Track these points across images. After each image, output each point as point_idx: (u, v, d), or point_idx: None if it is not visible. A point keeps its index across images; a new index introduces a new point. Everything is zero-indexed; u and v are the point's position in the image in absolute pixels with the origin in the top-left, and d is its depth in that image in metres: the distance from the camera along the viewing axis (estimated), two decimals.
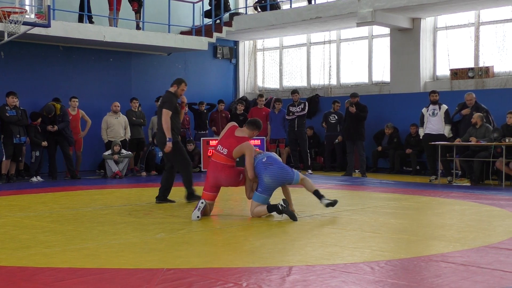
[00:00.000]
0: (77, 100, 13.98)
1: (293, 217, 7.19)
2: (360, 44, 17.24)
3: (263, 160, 7.51)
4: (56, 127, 13.02)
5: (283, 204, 7.31)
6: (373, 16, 14.33)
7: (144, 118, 15.16)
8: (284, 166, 7.64)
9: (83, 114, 14.20)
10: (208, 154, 14.55)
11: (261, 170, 7.44)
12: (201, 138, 14.98)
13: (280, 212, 7.26)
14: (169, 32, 16.15)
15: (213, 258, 5.25)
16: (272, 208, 7.34)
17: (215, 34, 16.89)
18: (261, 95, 16.10)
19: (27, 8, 12.42)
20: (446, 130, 12.62)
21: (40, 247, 5.67)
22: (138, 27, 15.75)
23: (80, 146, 14.09)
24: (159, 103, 8.73)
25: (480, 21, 14.92)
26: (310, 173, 14.56)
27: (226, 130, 7.75)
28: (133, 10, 15.59)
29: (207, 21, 17.26)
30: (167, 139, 8.54)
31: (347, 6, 14.99)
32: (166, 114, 8.60)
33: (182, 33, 17.12)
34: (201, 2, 17.14)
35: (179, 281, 4.35)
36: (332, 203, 7.68)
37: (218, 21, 17.26)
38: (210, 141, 14.71)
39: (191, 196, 8.82)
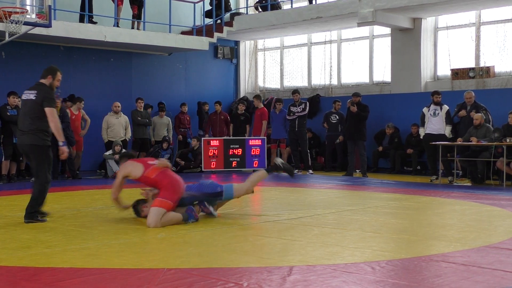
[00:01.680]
0: (82, 102, 13.99)
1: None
2: (361, 44, 17.24)
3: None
4: None
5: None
6: (374, 16, 14.34)
7: (150, 118, 15.18)
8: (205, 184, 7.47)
9: (83, 114, 14.21)
10: (209, 154, 14.56)
11: (200, 187, 7.30)
12: (202, 138, 14.98)
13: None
14: (170, 32, 16.16)
15: (213, 258, 5.25)
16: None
17: (216, 34, 16.90)
18: (257, 96, 16.05)
19: (28, 8, 12.44)
20: (447, 131, 12.61)
21: (41, 247, 5.67)
22: (137, 28, 15.75)
23: (80, 146, 14.10)
24: (32, 97, 7.21)
25: (481, 21, 14.92)
26: (311, 173, 14.56)
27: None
28: (133, 15, 15.59)
29: (208, 21, 17.27)
30: (60, 143, 7.15)
31: (348, 6, 14.99)
32: (52, 113, 7.15)
33: (183, 33, 17.12)
34: (202, 2, 17.15)
35: (180, 281, 4.34)
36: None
37: (219, 21, 17.27)
38: (211, 141, 14.72)
39: (32, 216, 7.11)
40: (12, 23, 11.19)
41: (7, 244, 5.80)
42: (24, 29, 11.80)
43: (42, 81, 7.44)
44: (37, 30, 12.56)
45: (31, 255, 5.31)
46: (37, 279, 4.49)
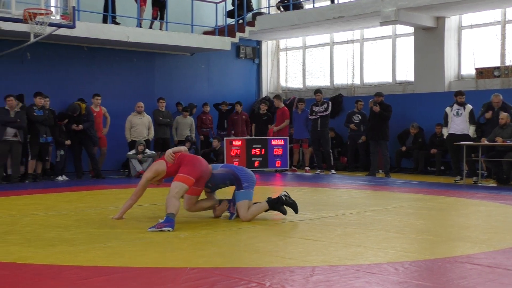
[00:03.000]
0: (100, 98, 14.10)
1: (295, 208, 7.21)
2: (383, 43, 17.14)
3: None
4: (81, 126, 13.17)
5: (286, 194, 7.24)
6: (397, 15, 14.25)
7: (171, 118, 15.26)
8: None
9: (105, 111, 14.33)
10: (232, 153, 14.59)
11: (236, 166, 7.38)
12: (224, 138, 15.02)
13: (284, 204, 7.16)
14: (192, 32, 16.22)
15: (236, 258, 5.26)
16: (274, 202, 7.18)
17: (238, 34, 16.92)
18: (277, 96, 16.04)
19: (52, 9, 12.56)
20: (470, 131, 12.48)
21: (66, 245, 5.72)
22: (160, 28, 15.84)
23: (104, 142, 14.22)
24: None
25: (506, 19, 14.75)
26: (333, 173, 14.51)
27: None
28: (152, 17, 15.68)
29: (230, 21, 17.30)
30: None
31: (371, 5, 14.91)
32: None
33: (205, 33, 17.17)
34: (224, 2, 17.17)
35: (202, 280, 4.35)
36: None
37: (241, 21, 17.29)
38: (234, 141, 14.74)
39: None
40: (37, 24, 11.31)
41: (33, 242, 5.86)
42: (48, 30, 11.92)
43: None
44: (61, 31, 12.68)
45: (55, 253, 5.36)
46: (61, 277, 4.53)
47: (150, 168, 7.23)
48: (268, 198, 7.28)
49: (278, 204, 7.21)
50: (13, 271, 4.71)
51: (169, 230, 6.36)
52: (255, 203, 7.24)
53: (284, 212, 7.22)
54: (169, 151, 7.15)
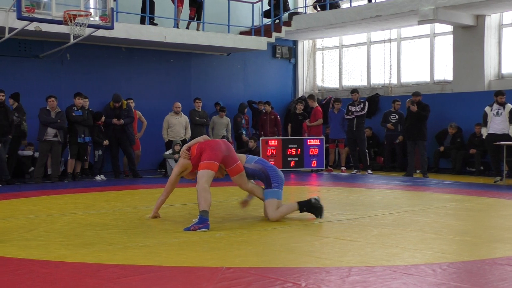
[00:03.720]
0: (132, 101, 14.24)
1: (321, 214, 7.11)
2: (421, 42, 16.95)
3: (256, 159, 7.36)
4: (122, 121, 13.34)
5: (316, 198, 7.18)
6: (435, 14, 14.07)
7: (207, 117, 15.35)
8: None
9: (140, 115, 14.47)
10: (268, 153, 14.60)
11: (270, 164, 7.32)
12: (260, 138, 15.03)
13: (312, 207, 7.10)
14: (228, 32, 16.28)
15: (272, 258, 5.26)
16: (303, 204, 7.14)
17: (274, 34, 16.92)
18: (310, 96, 16.02)
19: (91, 11, 12.75)
20: (511, 130, 12.25)
21: (104, 244, 5.80)
22: (196, 29, 15.95)
23: (138, 146, 14.37)
24: None
25: None
26: (370, 173, 14.41)
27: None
28: (190, 17, 15.79)
29: (266, 21, 17.31)
30: None
31: (408, 4, 14.76)
32: None
33: (241, 33, 17.22)
34: (260, 2, 17.19)
35: (238, 280, 4.37)
36: None
37: (277, 21, 17.29)
38: (269, 141, 14.74)
39: None
40: (76, 26, 11.49)
41: (72, 240, 5.96)
42: (88, 31, 12.11)
43: None
44: (100, 32, 12.87)
45: (94, 251, 5.44)
46: (99, 275, 4.60)
47: (177, 164, 7.28)
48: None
49: (308, 206, 7.15)
50: (52, 269, 4.80)
51: (204, 231, 6.39)
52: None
53: (317, 214, 7.16)
54: (184, 147, 7.18)
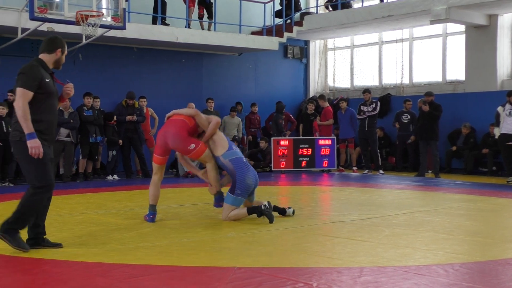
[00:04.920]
0: (145, 99, 14.27)
1: (271, 219, 6.94)
2: (433, 42, 16.87)
3: (244, 160, 7.25)
4: (135, 117, 13.41)
5: (266, 205, 7.00)
6: (448, 13, 14.00)
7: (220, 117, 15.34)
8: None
9: (152, 112, 14.50)
10: (279, 153, 14.58)
11: (242, 169, 7.07)
12: (272, 138, 15.03)
13: (261, 214, 6.97)
14: (240, 32, 16.29)
15: (283, 258, 5.26)
16: (253, 210, 7.04)
17: (286, 34, 16.91)
18: (321, 96, 16.01)
19: (104, 11, 12.79)
20: None
21: (115, 243, 5.82)
22: (208, 28, 15.97)
23: (152, 143, 14.39)
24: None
25: None
26: (382, 173, 14.37)
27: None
28: (199, 15, 15.81)
29: (278, 21, 17.30)
30: (26, 135, 5.27)
31: (420, 3, 14.70)
32: (21, 95, 5.30)
33: (253, 33, 17.22)
34: (272, 2, 17.19)
35: (250, 280, 4.37)
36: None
37: (288, 20, 17.28)
38: (281, 141, 14.73)
39: (6, 231, 5.38)
40: (88, 26, 11.54)
41: (83, 240, 5.98)
42: (100, 31, 12.15)
43: (40, 55, 5.67)
44: (112, 33, 12.91)
45: (106, 251, 5.46)
46: (111, 275, 4.61)
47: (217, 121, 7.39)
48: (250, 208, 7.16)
49: (256, 212, 7.02)
50: (65, 268, 4.82)
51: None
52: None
53: (269, 220, 6.98)
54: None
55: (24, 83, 5.30)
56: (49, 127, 5.43)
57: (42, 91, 5.37)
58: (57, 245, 5.57)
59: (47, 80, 5.44)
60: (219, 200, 7.37)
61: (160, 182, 7.46)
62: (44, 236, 5.59)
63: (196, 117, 7.34)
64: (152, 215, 7.22)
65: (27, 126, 5.22)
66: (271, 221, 6.94)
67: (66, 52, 5.82)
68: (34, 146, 5.22)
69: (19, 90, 5.30)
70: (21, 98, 5.27)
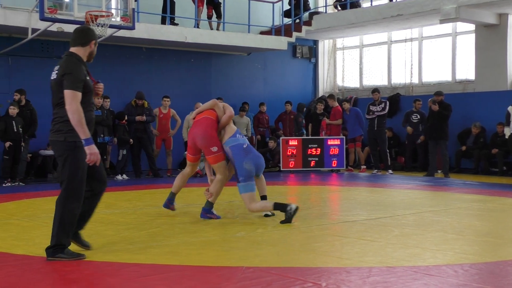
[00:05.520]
0: (168, 99, 14.30)
1: (286, 221, 6.92)
2: (443, 42, 16.81)
3: (244, 146, 7.37)
4: (145, 117, 13.46)
5: (293, 208, 6.96)
6: (457, 13, 13.94)
7: None
8: (259, 154, 7.57)
9: (174, 114, 14.49)
10: (288, 153, 14.57)
11: (241, 156, 7.23)
12: (280, 138, 15.02)
13: (285, 212, 6.98)
14: (249, 32, 16.29)
15: (292, 258, 5.26)
16: (279, 206, 7.07)
17: (295, 34, 16.90)
18: (330, 96, 16.02)
19: (113, 11, 12.83)
20: None
21: (124, 243, 5.84)
22: (217, 28, 15.99)
23: (170, 144, 14.41)
24: (54, 76, 5.25)
25: None
26: (391, 173, 14.33)
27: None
28: (207, 15, 15.82)
29: (287, 20, 17.29)
30: (83, 141, 5.03)
31: (430, 2, 14.65)
32: (73, 97, 5.03)
33: (261, 33, 17.22)
34: (280, 1, 17.18)
35: (258, 279, 4.37)
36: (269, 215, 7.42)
37: (297, 20, 17.26)
38: (290, 141, 14.72)
39: (54, 252, 5.06)
40: (98, 26, 11.57)
41: (93, 239, 6.00)
42: (109, 31, 12.19)
43: (74, 49, 5.35)
44: (121, 33, 12.95)
45: (115, 250, 5.47)
46: (120, 274, 4.63)
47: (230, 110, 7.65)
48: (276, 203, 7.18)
49: (282, 209, 7.04)
50: (74, 268, 4.84)
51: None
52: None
53: (284, 221, 6.98)
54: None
55: (73, 84, 5.03)
56: (88, 125, 5.11)
57: (85, 90, 5.14)
58: (86, 246, 5.39)
59: (87, 78, 5.23)
60: (206, 211, 7.43)
61: (188, 177, 7.94)
62: (80, 231, 5.37)
63: (215, 108, 7.61)
64: (167, 201, 7.76)
65: (83, 131, 4.98)
66: (283, 222, 6.93)
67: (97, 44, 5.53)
68: (93, 152, 4.99)
69: (69, 92, 5.01)
70: (74, 100, 4.99)
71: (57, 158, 5.24)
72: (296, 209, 7.00)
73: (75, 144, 5.07)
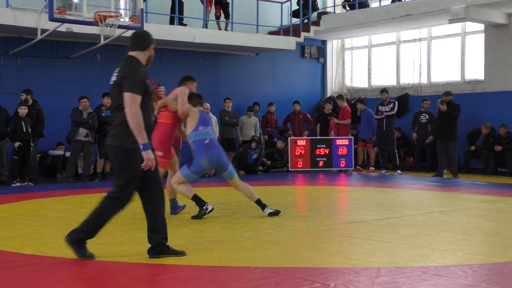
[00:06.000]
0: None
1: (199, 217, 7.29)
2: (452, 41, 16.75)
3: (206, 142, 7.46)
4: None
5: (207, 208, 7.33)
6: (466, 12, 13.88)
7: (237, 118, 15.37)
8: (223, 153, 7.60)
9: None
10: (296, 153, 14.56)
11: (200, 151, 7.41)
12: (288, 138, 15.02)
13: (201, 209, 7.34)
14: (257, 32, 16.29)
15: (300, 258, 5.25)
16: (197, 200, 7.41)
17: (303, 34, 16.88)
18: (339, 96, 15.99)
19: (121, 12, 12.86)
20: None
21: (133, 243, 5.85)
22: (225, 29, 16.00)
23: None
24: (113, 78, 5.32)
25: None
26: (399, 174, 14.30)
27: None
28: (215, 15, 15.83)
29: (295, 20, 17.28)
30: (140, 146, 4.96)
31: (439, 2, 14.59)
32: (133, 100, 4.99)
33: (270, 33, 17.21)
34: (289, 1, 17.17)
35: (266, 279, 4.37)
36: (275, 213, 7.45)
37: (306, 20, 17.25)
38: (298, 141, 14.71)
39: (79, 244, 5.13)
40: (107, 26, 11.61)
41: (102, 239, 6.01)
42: (118, 32, 12.22)
43: (132, 53, 5.39)
44: (130, 33, 12.91)
45: (124, 250, 5.49)
46: (129, 274, 4.64)
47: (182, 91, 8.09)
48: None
49: (198, 204, 7.40)
50: (83, 268, 4.85)
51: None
52: None
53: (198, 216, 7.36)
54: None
55: (133, 87, 4.98)
56: (146, 129, 5.04)
57: (144, 93, 5.09)
58: (181, 253, 5.24)
59: (147, 81, 5.20)
60: (174, 208, 7.71)
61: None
62: (167, 243, 5.25)
63: (171, 102, 8.03)
64: (171, 208, 7.78)
65: (142, 136, 4.91)
66: (194, 217, 7.31)
67: None
68: (150, 158, 4.93)
69: (129, 95, 4.95)
70: (134, 104, 4.93)
71: (112, 163, 5.30)
72: (211, 210, 7.35)
73: (131, 150, 4.99)
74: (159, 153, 7.33)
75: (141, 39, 5.39)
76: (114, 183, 5.18)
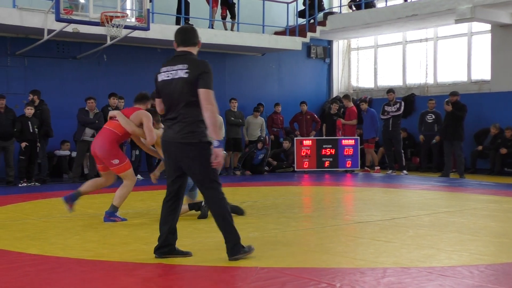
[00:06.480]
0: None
1: (201, 216, 7.36)
2: (458, 42, 16.72)
3: None
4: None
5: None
6: (473, 12, 13.85)
7: (243, 118, 15.37)
8: None
9: None
10: (302, 154, 14.55)
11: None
12: (294, 138, 15.02)
13: (202, 207, 7.38)
14: (263, 32, 16.29)
15: (306, 258, 5.25)
16: (194, 206, 7.44)
17: (309, 34, 16.89)
18: (346, 96, 15.96)
19: (128, 12, 12.90)
20: None
21: (139, 243, 5.86)
22: (231, 29, 16.00)
23: None
24: (182, 74, 5.10)
25: None
26: (405, 174, 14.27)
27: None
28: (221, 16, 15.84)
29: (301, 21, 17.28)
30: (215, 143, 4.90)
31: (445, 2, 14.57)
32: (212, 97, 4.95)
33: (276, 33, 17.22)
34: (295, 2, 17.17)
35: (272, 280, 4.37)
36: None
37: (312, 20, 17.25)
38: (304, 141, 14.70)
39: (241, 249, 5.09)
40: (113, 27, 11.63)
41: (108, 239, 6.04)
42: (124, 32, 12.25)
43: (187, 48, 5.29)
44: (136, 33, 13.00)
45: (130, 250, 5.50)
46: (135, 274, 4.65)
47: (147, 116, 7.71)
48: None
49: (195, 208, 7.45)
50: (89, 267, 4.87)
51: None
52: None
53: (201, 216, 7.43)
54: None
55: (210, 84, 4.92)
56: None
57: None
58: (187, 254, 5.24)
59: None
60: (110, 214, 7.33)
61: (100, 186, 7.81)
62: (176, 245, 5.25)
63: (129, 125, 7.57)
64: (71, 195, 7.45)
65: (216, 132, 4.85)
66: (200, 218, 7.34)
67: None
68: (222, 155, 4.86)
69: (207, 92, 4.88)
70: (213, 100, 4.88)
71: (188, 160, 4.96)
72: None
73: (210, 144, 4.91)
74: (115, 161, 7.31)
75: (193, 34, 5.28)
76: (200, 181, 5.05)
